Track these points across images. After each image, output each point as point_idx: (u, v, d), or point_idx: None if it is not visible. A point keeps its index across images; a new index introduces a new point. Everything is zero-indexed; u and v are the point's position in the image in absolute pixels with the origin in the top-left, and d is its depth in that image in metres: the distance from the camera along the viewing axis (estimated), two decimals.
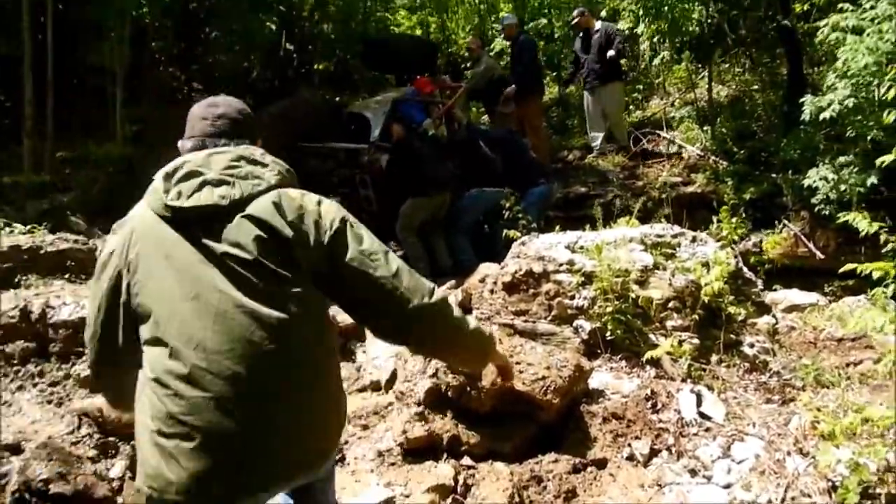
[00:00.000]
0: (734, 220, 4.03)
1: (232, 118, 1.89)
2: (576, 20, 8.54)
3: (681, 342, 3.62)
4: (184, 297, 1.60)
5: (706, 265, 4.07)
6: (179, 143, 1.90)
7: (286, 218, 1.67)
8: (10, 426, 2.99)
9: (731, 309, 3.91)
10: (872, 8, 5.28)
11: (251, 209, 1.66)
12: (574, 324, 3.87)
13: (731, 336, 3.91)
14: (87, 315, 1.80)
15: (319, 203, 1.77)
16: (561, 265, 4.01)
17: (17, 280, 4.28)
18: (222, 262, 1.62)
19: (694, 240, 4.33)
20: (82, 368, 3.25)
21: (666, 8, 6.98)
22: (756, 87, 8.94)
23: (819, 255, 6.49)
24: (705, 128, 8.10)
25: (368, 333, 4.18)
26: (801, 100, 5.89)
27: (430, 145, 6.85)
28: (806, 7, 7.60)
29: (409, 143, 6.57)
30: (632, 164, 8.02)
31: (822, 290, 6.17)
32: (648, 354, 3.53)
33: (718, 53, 9.30)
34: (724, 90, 9.23)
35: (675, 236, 4.32)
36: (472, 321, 1.98)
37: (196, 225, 1.65)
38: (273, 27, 12.33)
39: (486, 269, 4.55)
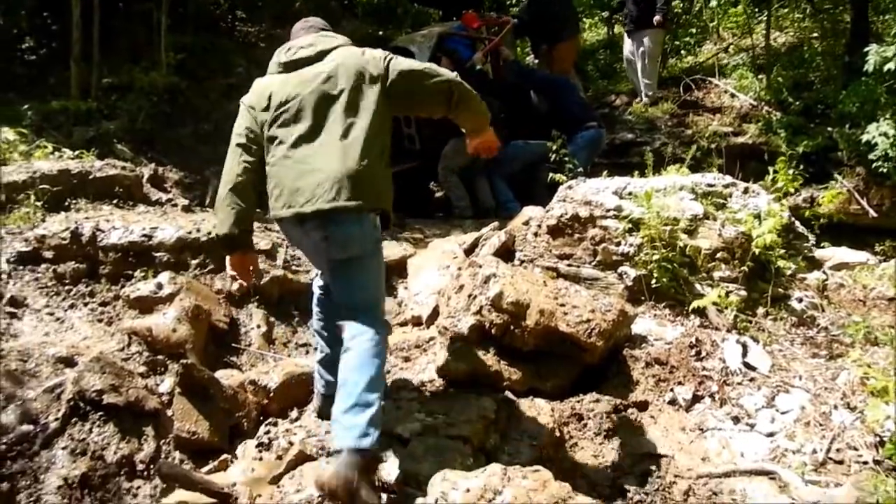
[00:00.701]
0: (790, 172, 3.86)
1: (313, 24, 2.90)
2: None
3: (727, 293, 3.57)
4: None
5: (757, 217, 3.97)
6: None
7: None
8: (63, 341, 3.08)
9: (781, 263, 3.81)
10: None
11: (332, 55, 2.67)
12: (619, 270, 3.82)
13: (780, 290, 3.83)
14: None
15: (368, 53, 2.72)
16: (608, 211, 3.94)
17: (66, 203, 4.35)
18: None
19: (746, 191, 4.21)
20: (132, 290, 3.32)
21: None
22: (816, 34, 8.53)
23: (872, 213, 6.29)
24: (760, 76, 7.79)
25: (411, 268, 4.20)
26: (865, 49, 5.61)
27: (477, 83, 6.70)
28: None
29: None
30: (681, 111, 7.77)
31: (873, 249, 6.00)
32: (694, 304, 3.49)
33: None
34: (781, 37, 8.83)
35: (726, 186, 4.20)
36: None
37: (299, 68, 2.67)
38: None
39: (531, 211, 4.49)
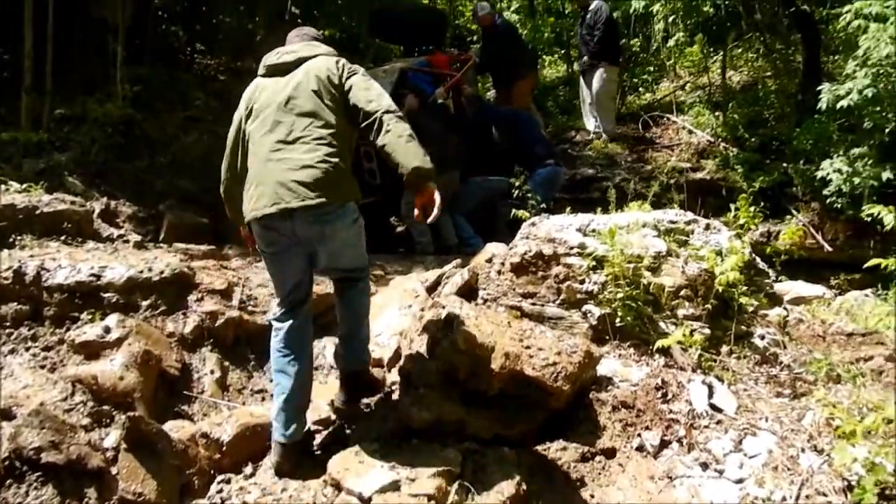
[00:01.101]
0: (751, 209, 3.90)
1: (307, 32, 3.18)
2: None
3: (692, 332, 3.54)
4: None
5: (719, 253, 3.99)
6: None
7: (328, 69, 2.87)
8: (2, 389, 2.89)
9: (743, 299, 3.82)
10: None
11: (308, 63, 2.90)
12: (583, 308, 3.78)
13: (742, 327, 3.82)
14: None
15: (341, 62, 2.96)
16: (572, 248, 3.91)
17: (11, 240, 4.16)
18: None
19: (707, 227, 4.23)
20: (78, 334, 3.15)
21: None
22: (769, 73, 8.78)
23: (827, 247, 6.41)
24: (717, 113, 7.95)
25: (372, 309, 4.09)
26: (818, 88, 5.76)
27: (439, 119, 6.70)
28: None
29: (417, 116, 6.42)
30: (640, 147, 7.88)
31: (828, 283, 6.10)
32: (659, 343, 3.45)
33: (732, 38, 9.11)
34: (736, 76, 9.07)
35: (688, 223, 4.21)
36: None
37: (280, 73, 2.92)
38: None
39: (493, 248, 4.43)
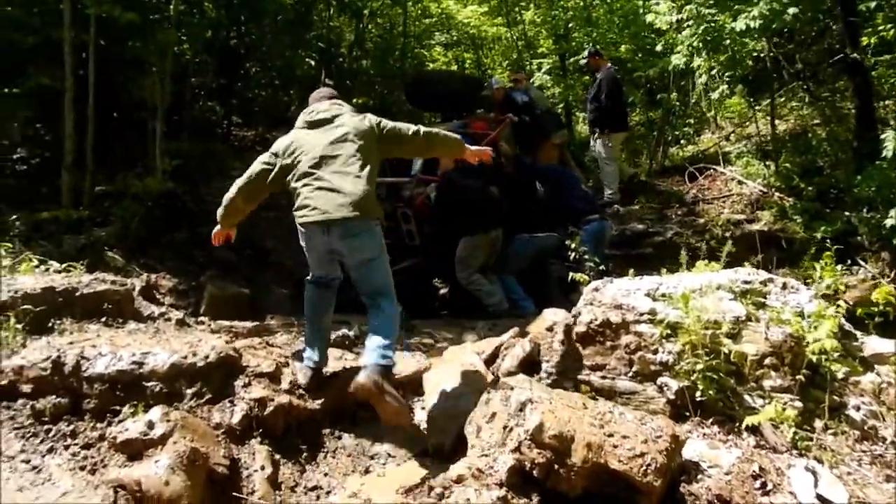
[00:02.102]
0: (839, 267, 3.58)
1: (330, 93, 3.97)
2: (585, 61, 8.34)
3: (783, 406, 3.21)
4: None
5: (802, 315, 3.67)
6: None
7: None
8: (39, 497, 2.67)
9: (833, 366, 3.48)
10: None
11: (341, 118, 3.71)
12: (658, 381, 3.47)
13: (835, 397, 3.47)
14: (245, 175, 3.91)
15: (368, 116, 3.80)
16: (641, 315, 3.62)
17: (50, 324, 4.00)
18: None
19: (784, 287, 3.92)
20: (119, 430, 2.92)
21: (728, 42, 6.65)
22: (817, 121, 8.50)
23: None
24: (767, 163, 7.67)
25: (428, 385, 3.82)
26: (882, 136, 5.49)
27: (478, 177, 6.53)
28: (873, 40, 7.21)
29: (454, 176, 6.28)
30: (690, 200, 7.61)
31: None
32: (748, 420, 3.13)
33: (775, 87, 8.90)
34: (782, 125, 8.80)
35: (763, 283, 3.90)
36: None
37: (319, 126, 3.69)
38: (312, 62, 12.28)
39: (553, 315, 4.16)
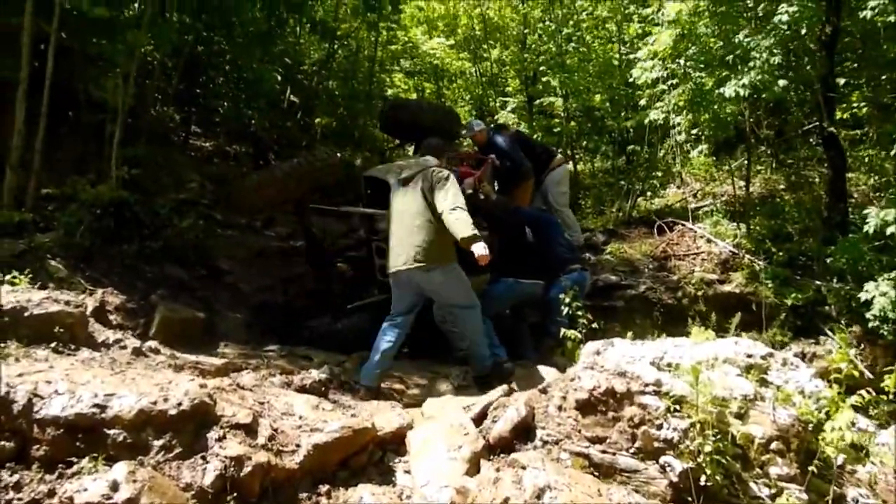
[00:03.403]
0: (852, 352, 3.50)
1: (429, 145, 5.73)
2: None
3: (790, 499, 3.08)
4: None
5: (802, 394, 3.59)
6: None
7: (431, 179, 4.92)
8: None
9: (830, 451, 3.38)
10: None
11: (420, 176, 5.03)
12: (661, 460, 3.29)
13: (834, 487, 3.37)
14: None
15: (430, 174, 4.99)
16: (647, 385, 3.46)
17: None
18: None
19: (784, 363, 3.83)
20: (76, 488, 2.53)
21: (715, 105, 6.70)
22: (783, 186, 8.68)
23: (868, 374, 6.04)
24: (738, 224, 7.74)
25: (413, 444, 3.54)
26: (865, 211, 5.57)
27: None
28: (847, 115, 7.42)
29: None
30: (661, 254, 7.59)
31: (866, 413, 5.73)
32: None
33: (742, 150, 9.08)
34: (750, 186, 8.95)
35: (764, 357, 3.81)
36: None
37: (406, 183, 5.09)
38: (279, 78, 11.93)
39: (546, 376, 3.97)
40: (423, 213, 4.81)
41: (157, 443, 2.89)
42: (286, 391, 3.94)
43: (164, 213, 8.05)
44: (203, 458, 2.91)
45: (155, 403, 2.98)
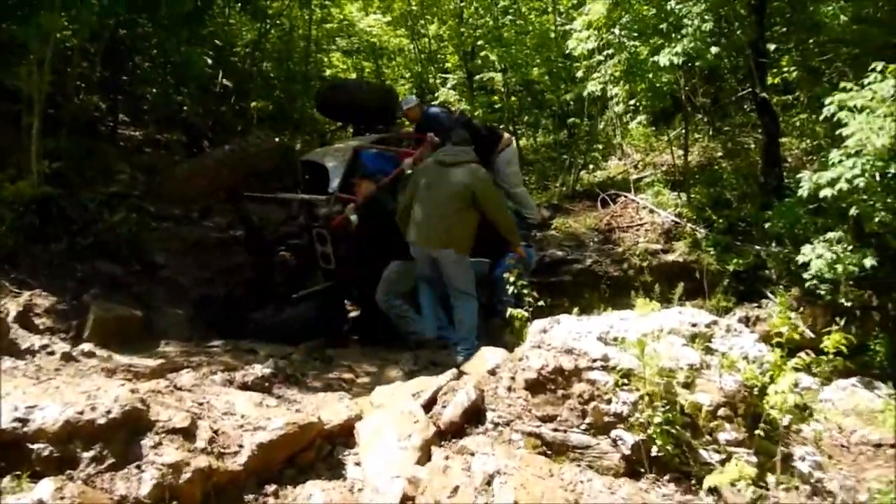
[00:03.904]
0: (791, 315, 3.53)
1: (465, 138, 5.87)
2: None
3: (739, 463, 3.10)
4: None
5: (745, 359, 3.62)
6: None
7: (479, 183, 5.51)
8: None
9: (775, 413, 3.42)
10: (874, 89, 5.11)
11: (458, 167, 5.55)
12: (612, 434, 3.27)
13: (781, 448, 3.42)
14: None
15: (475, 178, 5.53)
16: (594, 361, 3.42)
17: None
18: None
19: (728, 329, 3.86)
20: None
21: (650, 74, 6.72)
22: (720, 154, 8.81)
23: (809, 333, 6.20)
24: (676, 193, 7.83)
25: (362, 436, 3.45)
26: (799, 175, 5.66)
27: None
28: (778, 81, 7.53)
29: (380, 201, 5.95)
30: (605, 227, 7.63)
31: (810, 371, 5.89)
32: (709, 481, 2.99)
33: (679, 119, 9.17)
34: (688, 156, 9.07)
35: (708, 325, 3.83)
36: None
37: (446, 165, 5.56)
38: (209, 61, 11.49)
39: (493, 356, 3.91)
40: (460, 201, 5.28)
41: (87, 455, 2.72)
42: (228, 389, 3.78)
43: (92, 208, 7.71)
44: (138, 467, 2.75)
45: (82, 413, 2.81)
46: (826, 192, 5.37)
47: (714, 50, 6.14)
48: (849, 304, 5.96)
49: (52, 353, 4.13)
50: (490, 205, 5.38)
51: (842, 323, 4.01)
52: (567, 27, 9.16)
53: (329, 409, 3.72)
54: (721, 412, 3.35)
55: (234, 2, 12.02)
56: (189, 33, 10.19)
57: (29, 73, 7.30)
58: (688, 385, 3.39)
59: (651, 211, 7.72)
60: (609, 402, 3.34)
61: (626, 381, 3.35)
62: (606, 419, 3.31)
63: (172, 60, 10.09)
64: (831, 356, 3.51)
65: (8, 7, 6.76)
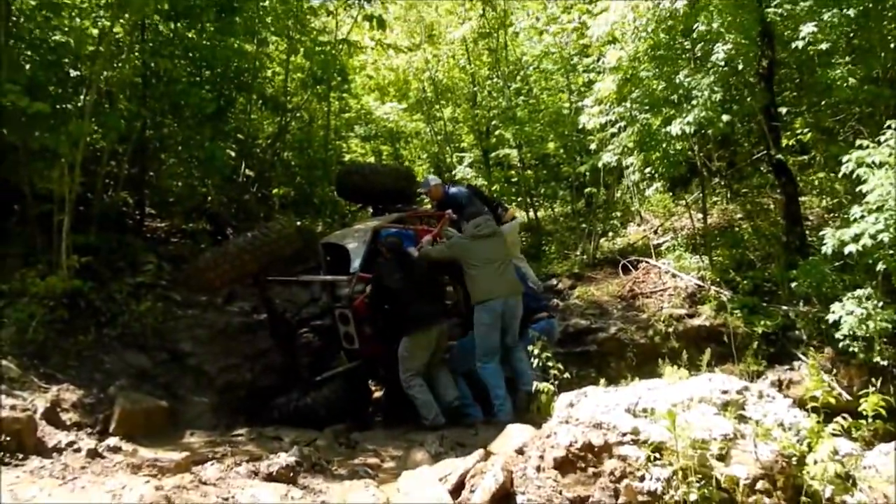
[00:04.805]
0: (825, 378, 3.44)
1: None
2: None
3: None
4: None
5: (781, 426, 3.51)
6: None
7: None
8: None
9: (816, 484, 3.29)
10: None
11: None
12: None
13: None
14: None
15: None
16: (624, 435, 3.35)
17: None
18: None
19: (761, 396, 3.77)
20: None
21: (664, 144, 6.81)
22: (740, 216, 8.79)
23: (846, 395, 6.02)
24: (698, 256, 7.78)
25: None
26: (822, 232, 5.62)
27: (410, 273, 6.20)
28: (792, 142, 7.58)
29: (385, 276, 6.01)
30: (628, 293, 7.57)
31: (850, 436, 5.68)
32: None
33: (696, 184, 9.22)
34: (708, 219, 9.06)
35: (739, 392, 3.74)
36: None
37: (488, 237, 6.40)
38: (232, 153, 11.86)
39: (520, 434, 3.84)
40: (506, 259, 6.28)
41: None
42: (252, 481, 3.73)
43: (120, 299, 7.83)
44: None
45: None
46: (851, 248, 5.32)
47: (725, 118, 6.23)
48: (885, 362, 5.78)
49: (78, 451, 4.12)
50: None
51: (878, 384, 3.92)
52: (580, 104, 9.36)
53: (355, 497, 3.64)
54: (759, 485, 3.23)
55: (255, 99, 12.49)
56: (213, 130, 10.58)
57: (60, 175, 7.57)
58: (722, 457, 3.29)
59: (673, 275, 7.66)
60: (642, 479, 3.24)
61: (657, 455, 3.26)
62: (640, 498, 3.20)
63: (196, 156, 10.40)
64: (870, 419, 3.40)
65: (38, 119, 7.08)
